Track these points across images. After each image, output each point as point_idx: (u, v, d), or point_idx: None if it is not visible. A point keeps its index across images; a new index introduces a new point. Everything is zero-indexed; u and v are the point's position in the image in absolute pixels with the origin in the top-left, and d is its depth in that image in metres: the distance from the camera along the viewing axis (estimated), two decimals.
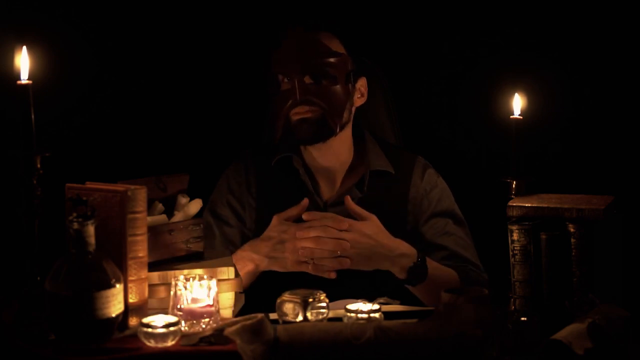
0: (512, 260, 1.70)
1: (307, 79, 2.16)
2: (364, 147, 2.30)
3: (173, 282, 1.65)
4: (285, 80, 2.18)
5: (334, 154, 2.25)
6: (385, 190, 2.25)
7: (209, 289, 1.65)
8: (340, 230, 2.01)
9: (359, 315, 1.66)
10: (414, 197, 2.26)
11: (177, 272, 1.71)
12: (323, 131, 2.17)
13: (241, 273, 2.00)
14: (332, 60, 2.17)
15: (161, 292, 1.70)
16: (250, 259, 2.08)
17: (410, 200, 2.26)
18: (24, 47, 1.70)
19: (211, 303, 1.65)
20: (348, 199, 2.10)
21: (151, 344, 1.55)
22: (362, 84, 2.27)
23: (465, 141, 2.85)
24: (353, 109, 2.25)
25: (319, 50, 2.17)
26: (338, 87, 2.18)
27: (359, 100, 2.27)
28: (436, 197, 2.27)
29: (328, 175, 2.27)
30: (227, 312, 1.73)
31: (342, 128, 2.19)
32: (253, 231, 2.24)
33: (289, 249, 2.04)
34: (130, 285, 1.64)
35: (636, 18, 2.70)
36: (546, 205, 1.71)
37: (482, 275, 2.20)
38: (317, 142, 2.19)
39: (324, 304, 1.71)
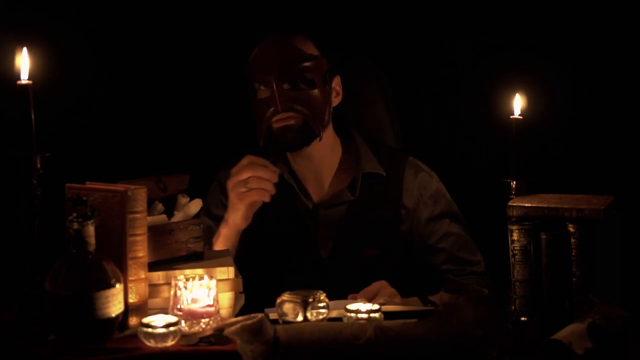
0: (512, 260, 1.70)
1: (286, 86, 2.14)
2: (354, 147, 2.29)
3: (173, 282, 1.65)
4: (262, 87, 2.16)
5: (319, 155, 2.24)
6: (376, 193, 2.25)
7: (209, 289, 1.65)
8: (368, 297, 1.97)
9: (359, 315, 1.66)
10: (407, 202, 2.26)
11: (177, 272, 1.70)
12: (307, 137, 2.16)
13: (221, 242, 2.12)
14: (308, 64, 2.15)
15: (162, 292, 1.70)
16: (222, 228, 2.15)
17: (404, 205, 2.26)
18: (24, 48, 1.70)
19: (211, 303, 1.65)
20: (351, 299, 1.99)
21: (151, 344, 1.55)
22: (337, 82, 2.25)
23: (465, 141, 2.85)
24: (331, 109, 2.23)
25: (295, 56, 2.14)
26: (317, 91, 2.16)
27: (335, 99, 2.25)
28: (431, 201, 2.27)
29: (315, 177, 2.27)
30: (227, 312, 1.73)
31: (324, 130, 2.18)
32: (246, 231, 2.24)
33: (230, 189, 2.10)
34: (130, 285, 1.64)
35: (636, 18, 2.70)
36: (546, 205, 1.71)
37: (483, 279, 2.20)
38: (301, 148, 2.19)
39: (324, 304, 1.71)
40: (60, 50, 2.53)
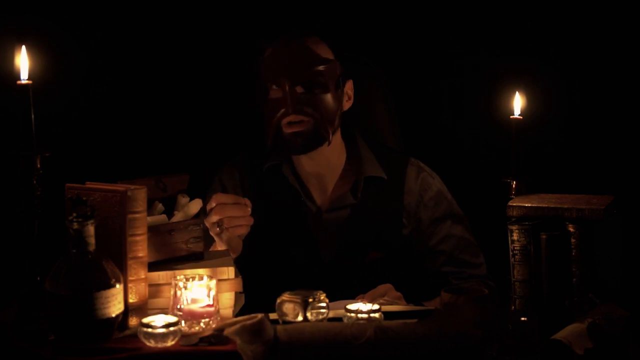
0: (512, 260, 1.70)
1: (299, 89, 2.14)
2: (356, 151, 2.28)
3: (173, 282, 1.65)
4: (274, 87, 2.15)
5: (325, 159, 2.24)
6: (378, 196, 2.25)
7: (209, 289, 1.65)
8: (377, 296, 1.96)
9: (359, 315, 1.66)
10: (409, 203, 2.26)
11: (177, 272, 1.70)
12: (316, 141, 2.16)
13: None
14: (322, 68, 2.14)
15: (163, 292, 1.70)
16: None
17: (405, 207, 2.26)
18: (24, 47, 1.70)
19: (211, 303, 1.65)
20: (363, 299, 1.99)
21: (151, 344, 1.55)
22: (349, 87, 2.25)
23: (465, 141, 2.85)
24: (341, 114, 2.22)
25: (310, 59, 2.14)
26: (329, 95, 2.15)
27: (347, 103, 2.25)
28: (432, 203, 2.27)
29: (319, 180, 2.26)
30: (227, 312, 1.73)
31: (333, 135, 2.18)
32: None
33: (208, 226, 2.03)
34: (130, 285, 1.64)
35: (636, 19, 2.70)
36: (546, 205, 1.71)
37: (485, 283, 2.20)
38: (309, 152, 2.18)
39: (324, 304, 1.71)
40: (61, 51, 2.53)
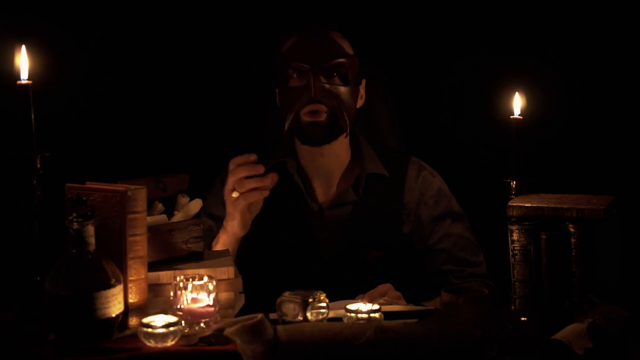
0: (512, 260, 1.70)
1: (322, 78, 2.15)
2: (358, 149, 2.30)
3: (173, 282, 1.65)
4: (295, 76, 2.17)
5: (334, 154, 2.25)
6: (380, 194, 2.25)
7: (209, 289, 1.65)
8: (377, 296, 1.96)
9: (359, 315, 1.66)
10: (409, 201, 2.27)
11: (177, 272, 1.70)
12: (335, 132, 2.17)
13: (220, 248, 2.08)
14: (345, 60, 2.17)
15: (162, 292, 1.70)
16: (221, 234, 2.12)
17: (405, 204, 2.26)
18: (24, 47, 1.70)
19: (211, 303, 1.65)
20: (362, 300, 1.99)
21: (151, 344, 1.55)
22: (362, 86, 2.27)
23: (465, 141, 2.85)
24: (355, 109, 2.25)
25: (335, 50, 2.17)
26: (349, 89, 2.18)
27: (359, 101, 2.27)
28: (432, 201, 2.27)
29: (324, 177, 2.27)
30: (227, 312, 1.73)
31: (350, 127, 2.19)
32: (249, 233, 2.24)
33: (225, 198, 2.07)
34: (130, 285, 1.64)
35: (636, 19, 2.70)
36: (546, 205, 1.71)
37: (484, 282, 2.20)
38: (328, 143, 2.19)
39: (324, 304, 1.71)
40: (61, 50, 2.53)
